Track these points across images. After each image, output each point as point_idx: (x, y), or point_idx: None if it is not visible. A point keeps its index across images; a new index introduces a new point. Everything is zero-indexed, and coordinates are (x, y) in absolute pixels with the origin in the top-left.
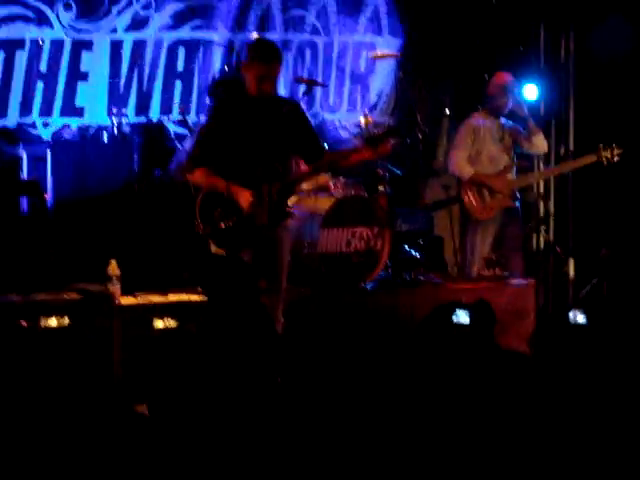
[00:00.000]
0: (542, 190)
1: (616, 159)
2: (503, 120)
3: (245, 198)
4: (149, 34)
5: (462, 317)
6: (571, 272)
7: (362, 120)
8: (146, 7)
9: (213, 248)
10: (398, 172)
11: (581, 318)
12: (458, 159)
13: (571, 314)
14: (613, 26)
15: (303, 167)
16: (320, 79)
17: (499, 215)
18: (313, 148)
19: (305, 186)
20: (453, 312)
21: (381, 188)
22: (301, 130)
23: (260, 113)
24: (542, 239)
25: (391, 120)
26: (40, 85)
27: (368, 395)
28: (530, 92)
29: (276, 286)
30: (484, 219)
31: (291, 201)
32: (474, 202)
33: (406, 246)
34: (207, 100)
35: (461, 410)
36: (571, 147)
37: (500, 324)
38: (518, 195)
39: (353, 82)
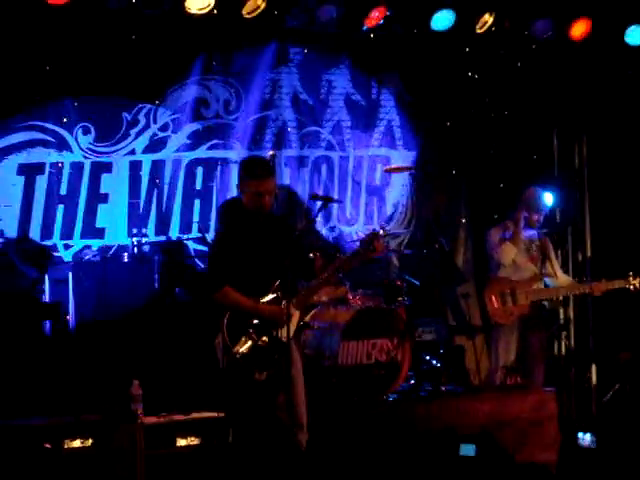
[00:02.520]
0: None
1: None
2: (533, 231)
3: (279, 314)
4: (167, 154)
5: (468, 451)
6: (593, 378)
7: (378, 231)
8: (164, 129)
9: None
10: (416, 283)
11: (589, 441)
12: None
13: (580, 436)
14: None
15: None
16: (336, 193)
17: (520, 323)
18: (305, 262)
19: (324, 298)
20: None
21: (400, 299)
22: (297, 250)
23: (264, 230)
24: (563, 345)
25: (408, 232)
26: (60, 208)
27: None
28: (547, 200)
29: (297, 399)
30: (503, 325)
31: (311, 314)
32: (495, 305)
33: (427, 356)
34: (218, 215)
35: None
36: (588, 254)
37: (522, 434)
38: (545, 305)
39: (369, 195)
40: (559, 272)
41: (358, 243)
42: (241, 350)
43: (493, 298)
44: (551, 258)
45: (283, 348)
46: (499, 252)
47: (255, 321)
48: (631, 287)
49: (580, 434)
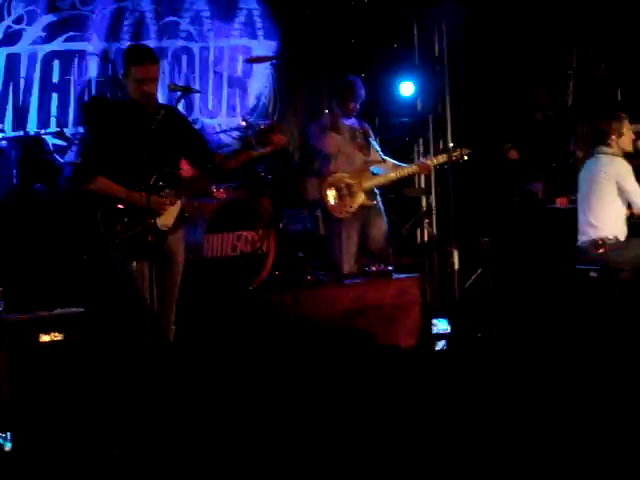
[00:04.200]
0: (423, 185)
1: (465, 158)
2: (352, 120)
3: (160, 202)
4: (22, 48)
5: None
6: (456, 264)
7: (242, 123)
8: (18, 21)
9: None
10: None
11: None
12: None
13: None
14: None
15: (189, 172)
16: (198, 84)
17: (360, 214)
18: (202, 151)
19: (191, 191)
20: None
21: (264, 191)
22: (188, 134)
23: (146, 118)
24: (426, 232)
25: (271, 122)
26: None
27: (259, 393)
28: (406, 89)
29: (172, 294)
30: (343, 218)
31: None
32: (332, 201)
33: (292, 247)
34: (83, 112)
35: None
36: (450, 142)
37: (386, 320)
38: (377, 192)
39: (231, 86)
40: (384, 157)
41: (237, 133)
42: (115, 240)
43: (329, 194)
44: (373, 144)
45: (161, 236)
46: (322, 141)
47: (130, 209)
48: (454, 159)
49: (435, 320)
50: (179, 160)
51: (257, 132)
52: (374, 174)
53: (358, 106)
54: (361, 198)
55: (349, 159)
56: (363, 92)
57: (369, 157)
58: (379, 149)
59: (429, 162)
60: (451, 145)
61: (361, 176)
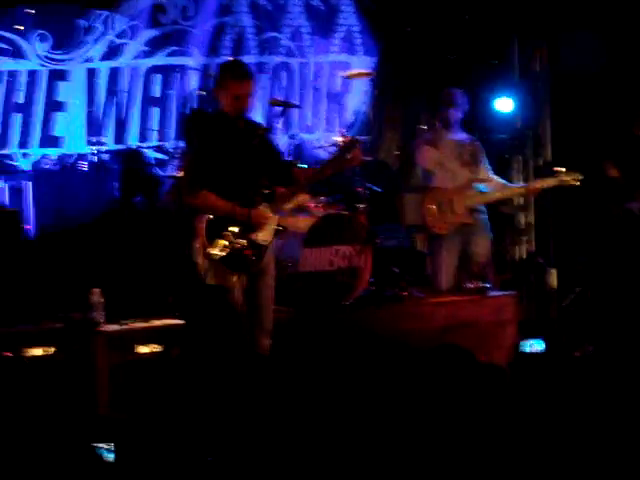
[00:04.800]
0: (522, 201)
1: (577, 184)
2: (463, 135)
3: (262, 217)
4: (125, 62)
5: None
6: (554, 283)
7: (339, 139)
8: (121, 35)
9: (212, 277)
10: (378, 189)
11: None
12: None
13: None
14: (583, 41)
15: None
16: (297, 100)
17: (461, 231)
18: (284, 170)
19: (285, 206)
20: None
21: (361, 205)
22: (273, 154)
23: (242, 133)
24: (524, 250)
25: (369, 139)
26: (18, 117)
27: (359, 412)
28: (505, 105)
29: (267, 305)
30: (442, 234)
31: None
32: (431, 216)
33: (388, 262)
34: (184, 126)
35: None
36: (549, 159)
37: (481, 337)
38: (483, 209)
39: (330, 102)
40: (492, 176)
41: (335, 149)
42: (218, 252)
43: (429, 209)
44: (483, 162)
45: (261, 251)
46: (421, 156)
47: (233, 224)
48: (564, 183)
49: (530, 339)
50: (273, 175)
51: (339, 147)
52: (480, 192)
53: (460, 117)
54: (462, 215)
55: (452, 175)
56: (464, 103)
57: (475, 174)
58: (489, 167)
59: (538, 185)
60: (563, 169)
61: (464, 193)
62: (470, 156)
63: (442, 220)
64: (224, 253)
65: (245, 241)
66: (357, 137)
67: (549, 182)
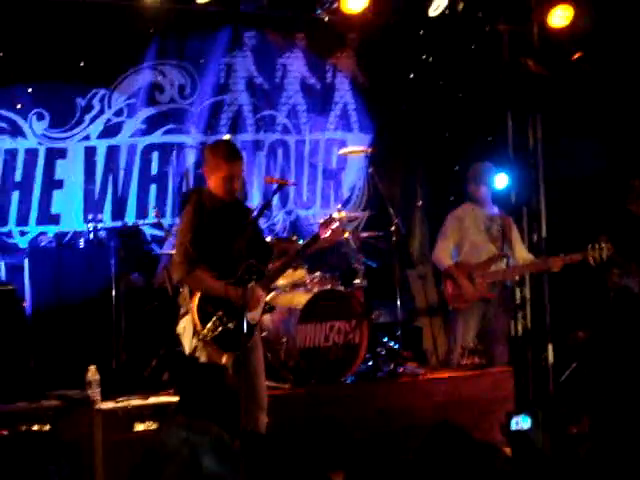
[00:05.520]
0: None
1: (605, 258)
2: (493, 209)
3: (254, 297)
4: (122, 140)
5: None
6: (550, 358)
7: (335, 215)
8: (118, 114)
9: (204, 356)
10: (373, 264)
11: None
12: (438, 250)
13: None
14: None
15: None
16: (293, 176)
17: (480, 305)
18: (265, 248)
19: (282, 282)
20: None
21: (357, 281)
22: (259, 234)
23: (233, 214)
24: (520, 325)
25: (365, 214)
26: (15, 194)
27: None
28: (500, 181)
29: (260, 381)
30: (461, 308)
31: (270, 297)
32: (450, 291)
33: (384, 338)
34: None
35: None
36: (543, 234)
37: (479, 413)
38: (507, 284)
39: (325, 178)
40: (520, 251)
41: (317, 228)
42: (210, 333)
43: (448, 284)
44: (512, 238)
45: (250, 331)
46: (444, 229)
47: (224, 303)
48: (590, 259)
49: (514, 418)
50: (261, 253)
51: (320, 224)
52: (505, 267)
53: (487, 192)
54: (482, 290)
55: (477, 249)
56: (491, 177)
57: (503, 250)
58: (520, 242)
59: (561, 260)
60: (589, 245)
61: (487, 268)
62: (499, 232)
63: (459, 294)
64: (216, 333)
65: (236, 321)
66: (334, 215)
67: (574, 257)
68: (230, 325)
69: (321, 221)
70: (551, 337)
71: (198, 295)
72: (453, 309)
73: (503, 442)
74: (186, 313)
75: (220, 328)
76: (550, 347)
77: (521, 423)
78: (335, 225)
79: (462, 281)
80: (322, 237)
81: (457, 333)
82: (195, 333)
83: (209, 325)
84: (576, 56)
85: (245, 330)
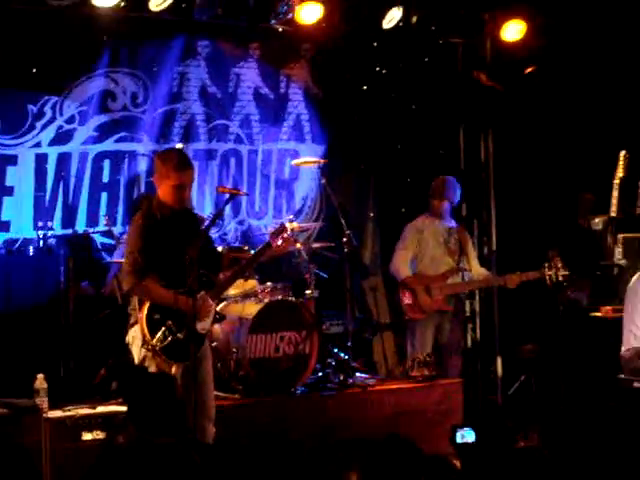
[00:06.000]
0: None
1: (560, 279)
2: (451, 222)
3: (204, 307)
4: (74, 147)
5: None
6: (499, 370)
7: (287, 224)
8: (70, 121)
9: (153, 365)
10: (324, 275)
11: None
12: (397, 260)
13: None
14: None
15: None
16: (245, 186)
17: (436, 317)
18: (217, 260)
19: (233, 292)
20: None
21: (308, 292)
22: (209, 243)
23: (183, 223)
24: (469, 337)
25: (316, 225)
26: None
27: None
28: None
29: (208, 391)
30: (417, 319)
31: (220, 307)
32: (407, 301)
33: (335, 349)
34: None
35: None
36: (494, 247)
37: (428, 425)
38: (461, 297)
39: (278, 188)
40: (475, 265)
41: (268, 237)
42: (159, 343)
43: (405, 294)
44: (468, 251)
45: (200, 341)
46: (402, 242)
47: (173, 312)
48: (547, 279)
49: (459, 431)
50: (211, 263)
51: (270, 234)
52: (461, 280)
53: (448, 206)
54: (439, 302)
55: (435, 261)
56: (454, 193)
57: (459, 263)
58: (475, 257)
59: (518, 278)
60: (545, 264)
61: (444, 280)
62: (456, 244)
63: (416, 306)
64: (165, 343)
65: (186, 331)
66: (285, 224)
67: (530, 275)
68: (179, 335)
69: (272, 230)
70: (500, 350)
71: (147, 305)
72: (409, 320)
73: (453, 454)
74: (135, 323)
75: (170, 338)
76: (499, 360)
77: (466, 437)
78: (286, 234)
79: (419, 292)
80: (273, 245)
81: (415, 344)
82: (144, 343)
83: (158, 335)
84: (528, 70)
85: (195, 340)
